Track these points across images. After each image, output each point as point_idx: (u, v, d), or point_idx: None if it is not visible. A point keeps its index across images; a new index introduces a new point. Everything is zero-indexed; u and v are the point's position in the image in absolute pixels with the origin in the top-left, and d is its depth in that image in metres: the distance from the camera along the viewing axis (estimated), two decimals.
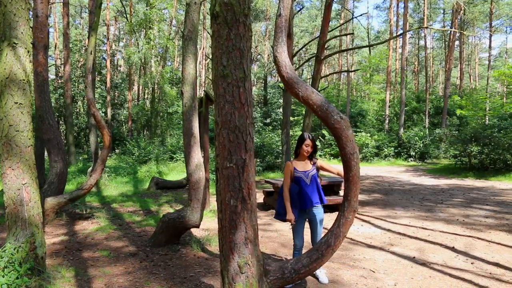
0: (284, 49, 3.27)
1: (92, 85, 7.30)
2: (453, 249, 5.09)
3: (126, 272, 4.33)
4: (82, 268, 4.43)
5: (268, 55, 33.36)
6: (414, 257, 4.76)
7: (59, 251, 5.17)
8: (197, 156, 5.28)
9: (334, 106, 3.19)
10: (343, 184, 3.65)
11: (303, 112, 16.36)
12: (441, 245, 5.29)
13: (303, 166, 3.77)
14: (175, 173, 14.84)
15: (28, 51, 3.88)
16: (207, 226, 6.56)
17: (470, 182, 12.35)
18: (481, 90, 31.22)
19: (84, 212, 7.27)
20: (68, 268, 4.38)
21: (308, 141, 3.72)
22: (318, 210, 3.78)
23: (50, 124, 7.39)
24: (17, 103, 3.74)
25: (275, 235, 5.97)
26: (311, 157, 3.82)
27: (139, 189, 11.55)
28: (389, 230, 6.21)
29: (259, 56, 36.70)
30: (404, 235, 5.92)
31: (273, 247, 5.33)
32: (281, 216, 3.76)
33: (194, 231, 6.15)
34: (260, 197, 9.45)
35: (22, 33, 3.82)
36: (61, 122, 25.46)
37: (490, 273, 4.15)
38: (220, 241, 2.94)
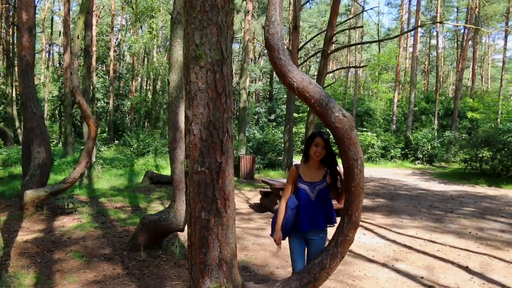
0: (277, 30, 2.69)
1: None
2: (467, 269, 4.52)
3: (94, 281, 3.82)
4: (46, 274, 3.93)
5: None
6: (422, 277, 4.20)
7: (29, 251, 4.68)
8: (183, 152, 4.74)
9: (335, 101, 2.63)
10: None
11: (308, 109, 15.78)
12: (452, 263, 4.71)
13: (311, 175, 2.83)
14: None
15: None
16: None
17: (481, 189, 11.70)
18: (494, 93, 30.32)
19: (67, 207, 6.79)
20: (30, 274, 3.89)
21: (318, 139, 2.77)
22: (319, 236, 2.84)
23: (33, 112, 6.89)
24: None
25: (268, 242, 5.43)
26: (328, 165, 2.84)
27: (132, 183, 11.07)
28: (394, 242, 5.65)
29: (265, 51, 36.02)
30: (411, 248, 5.35)
31: (264, 257, 4.80)
32: (271, 230, 2.96)
33: (180, 234, 5.63)
34: (257, 198, 8.92)
35: None
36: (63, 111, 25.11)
37: None
38: (189, 261, 2.41)
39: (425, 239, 5.81)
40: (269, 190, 7.69)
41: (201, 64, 2.11)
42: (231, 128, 2.25)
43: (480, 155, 13.90)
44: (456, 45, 39.75)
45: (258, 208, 7.85)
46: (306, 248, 2.90)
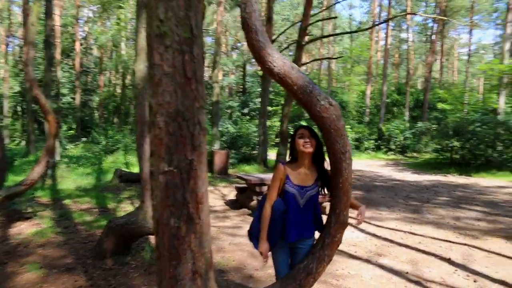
0: (255, 9, 2.38)
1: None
2: (449, 261, 4.41)
3: None
4: None
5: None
6: (407, 273, 4.04)
7: None
8: None
9: (320, 88, 2.36)
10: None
11: (283, 102, 15.56)
12: (435, 255, 4.60)
13: (302, 178, 2.45)
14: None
15: None
16: None
17: (453, 178, 11.90)
18: (460, 85, 31.25)
19: (25, 211, 6.24)
20: None
21: (301, 130, 2.43)
22: (307, 244, 2.53)
23: None
24: None
25: (245, 242, 5.13)
26: (318, 164, 2.49)
27: (101, 182, 10.49)
28: (374, 235, 5.50)
29: (238, 44, 35.59)
30: (392, 242, 5.21)
31: (241, 258, 4.51)
32: (253, 239, 2.57)
33: (151, 237, 5.24)
34: (232, 194, 8.61)
35: None
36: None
37: None
38: (158, 275, 2.08)
39: (405, 231, 5.70)
40: (244, 185, 7.39)
41: (166, 43, 1.77)
42: (203, 119, 1.92)
43: (451, 145, 14.16)
44: (425, 38, 40.71)
45: (234, 204, 7.55)
46: (291, 256, 2.61)
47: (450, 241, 5.19)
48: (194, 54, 1.82)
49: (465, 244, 5.04)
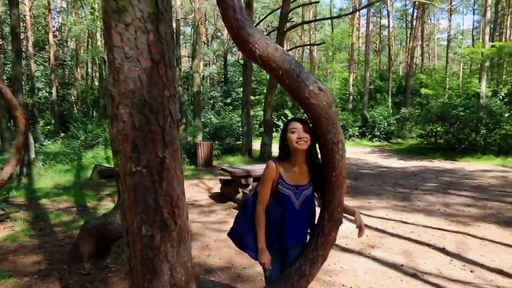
0: None
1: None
2: (444, 250, 4.28)
3: None
4: None
5: (228, 33, 31.64)
6: (402, 265, 3.88)
7: None
8: None
9: (308, 72, 2.12)
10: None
11: (265, 91, 15.27)
12: (429, 245, 4.46)
13: (296, 177, 2.20)
14: None
15: None
16: None
17: (439, 163, 11.92)
18: (441, 70, 31.54)
19: None
20: None
21: (293, 124, 2.14)
22: (300, 247, 2.31)
23: None
24: None
25: None
26: (312, 160, 2.22)
27: (80, 179, 10.06)
28: (365, 226, 5.32)
29: (218, 33, 34.98)
30: (384, 232, 5.06)
31: (229, 256, 4.28)
32: (248, 249, 2.25)
33: None
34: (218, 186, 8.35)
35: None
36: None
37: (498, 287, 3.33)
38: None
39: (396, 220, 5.57)
40: (229, 178, 7.14)
41: (126, 20, 1.48)
42: (175, 110, 1.65)
43: (435, 130, 14.19)
44: (405, 24, 40.85)
45: (219, 198, 7.30)
46: (282, 258, 2.38)
47: (442, 229, 5.07)
48: (161, 33, 1.54)
49: (458, 232, 4.93)
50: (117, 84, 1.51)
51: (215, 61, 37.31)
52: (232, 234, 2.40)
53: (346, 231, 5.13)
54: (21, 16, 24.07)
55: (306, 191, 2.25)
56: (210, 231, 5.27)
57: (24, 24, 22.69)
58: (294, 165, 2.21)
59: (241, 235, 2.32)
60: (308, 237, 2.39)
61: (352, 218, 2.38)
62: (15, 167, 5.88)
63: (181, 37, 32.65)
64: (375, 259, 4.10)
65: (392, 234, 4.93)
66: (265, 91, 18.43)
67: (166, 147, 1.60)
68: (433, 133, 14.54)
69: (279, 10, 12.36)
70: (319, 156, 2.19)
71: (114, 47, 1.49)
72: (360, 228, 2.30)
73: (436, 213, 5.91)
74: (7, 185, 9.07)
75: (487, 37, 13.85)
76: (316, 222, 2.35)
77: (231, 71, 28.60)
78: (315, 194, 2.38)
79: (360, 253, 4.28)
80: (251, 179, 6.59)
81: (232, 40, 2.14)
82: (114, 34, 1.49)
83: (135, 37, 1.49)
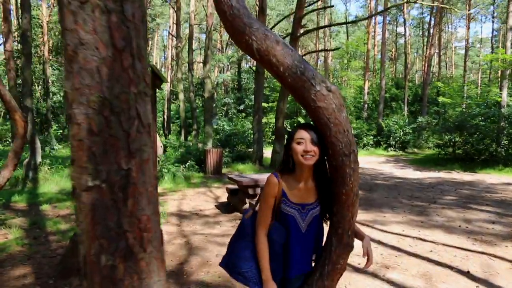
0: None
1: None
2: (468, 274, 3.85)
3: None
4: None
5: None
6: None
7: None
8: None
9: (315, 69, 1.79)
10: None
11: (278, 97, 14.91)
12: (451, 268, 4.03)
13: (301, 195, 1.83)
14: None
15: None
16: None
17: (457, 175, 11.35)
18: (459, 79, 30.74)
19: None
20: None
21: (301, 133, 1.77)
22: (304, 277, 1.95)
23: None
24: None
25: None
26: (320, 175, 1.85)
27: None
28: (379, 243, 4.93)
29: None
30: (400, 250, 4.65)
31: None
32: (250, 282, 1.83)
33: None
34: (226, 196, 8.03)
35: None
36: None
37: None
38: None
39: (413, 237, 5.14)
40: (236, 187, 6.82)
41: None
42: (146, 111, 1.33)
43: (453, 139, 13.63)
44: (421, 32, 40.24)
45: (226, 208, 6.97)
46: None
47: (465, 249, 4.63)
48: (126, 14, 1.22)
49: (483, 253, 4.48)
50: (71, 77, 1.20)
51: (229, 68, 37.29)
52: (227, 264, 1.98)
53: (359, 248, 4.69)
54: (39, 21, 24.49)
55: (313, 210, 1.88)
56: (212, 245, 4.93)
57: (42, 29, 23.00)
58: (300, 180, 1.85)
59: (238, 265, 1.91)
60: (313, 263, 2.03)
61: (367, 231, 2.00)
62: (12, 171, 5.66)
63: (197, 43, 32.69)
64: (390, 282, 3.70)
65: (409, 253, 4.51)
66: (278, 98, 18.14)
67: (132, 157, 1.28)
68: (452, 143, 13.95)
69: (293, 16, 12.08)
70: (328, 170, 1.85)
71: (67, 31, 1.19)
72: (368, 258, 1.92)
73: (457, 230, 5.46)
74: (11, 189, 8.96)
75: (509, 43, 13.26)
76: (323, 246, 1.99)
77: (245, 78, 28.43)
78: (324, 215, 2.02)
79: (374, 275, 3.88)
80: (259, 189, 6.25)
81: (226, 31, 1.83)
82: (67, 14, 1.18)
83: (92, 17, 1.18)
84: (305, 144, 1.75)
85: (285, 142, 1.92)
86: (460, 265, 4.10)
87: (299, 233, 1.85)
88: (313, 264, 1.99)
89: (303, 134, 1.77)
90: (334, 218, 1.88)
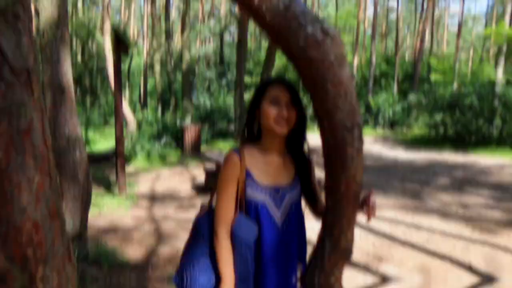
0: None
1: None
2: (470, 269, 3.40)
3: None
4: None
5: (225, 10, 30.12)
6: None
7: None
8: (70, 124, 3.12)
9: (307, 7, 1.17)
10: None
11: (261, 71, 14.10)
12: (451, 260, 3.58)
13: (273, 174, 1.36)
14: (107, 140, 12.27)
15: None
16: (114, 223, 4.54)
17: (449, 156, 10.93)
18: (451, 56, 30.28)
19: None
20: None
21: (277, 91, 1.28)
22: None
23: None
24: None
25: None
26: (296, 147, 1.40)
27: None
28: (371, 230, 4.45)
29: (216, 11, 33.61)
30: (394, 239, 4.19)
31: None
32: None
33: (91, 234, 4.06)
34: (202, 176, 7.45)
35: None
36: None
37: None
38: None
39: (407, 224, 4.69)
40: (215, 169, 6.23)
41: None
42: (21, 48, 0.72)
43: (445, 119, 13.22)
44: (414, 7, 39.48)
45: (203, 190, 6.39)
46: None
47: (463, 238, 4.19)
48: None
49: (484, 243, 4.04)
50: None
51: (212, 41, 35.98)
52: (182, 275, 1.37)
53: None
54: None
55: (290, 194, 1.38)
56: (185, 232, 4.32)
57: None
58: (270, 151, 1.35)
59: (194, 275, 1.36)
60: (299, 273, 1.49)
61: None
62: None
63: (178, 14, 31.30)
64: (384, 278, 3.23)
65: (403, 243, 4.06)
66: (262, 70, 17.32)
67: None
68: (443, 123, 13.53)
69: None
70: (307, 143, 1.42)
71: None
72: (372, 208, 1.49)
73: (453, 216, 5.03)
74: None
75: (507, 18, 12.65)
76: (312, 251, 1.44)
77: (227, 52, 27.44)
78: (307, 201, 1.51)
79: (366, 269, 3.41)
80: None
81: None
82: None
83: None
84: (281, 107, 1.26)
85: (250, 100, 1.37)
86: (458, 255, 3.67)
87: (274, 229, 1.33)
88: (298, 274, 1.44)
89: (280, 93, 1.28)
90: (328, 215, 1.34)
